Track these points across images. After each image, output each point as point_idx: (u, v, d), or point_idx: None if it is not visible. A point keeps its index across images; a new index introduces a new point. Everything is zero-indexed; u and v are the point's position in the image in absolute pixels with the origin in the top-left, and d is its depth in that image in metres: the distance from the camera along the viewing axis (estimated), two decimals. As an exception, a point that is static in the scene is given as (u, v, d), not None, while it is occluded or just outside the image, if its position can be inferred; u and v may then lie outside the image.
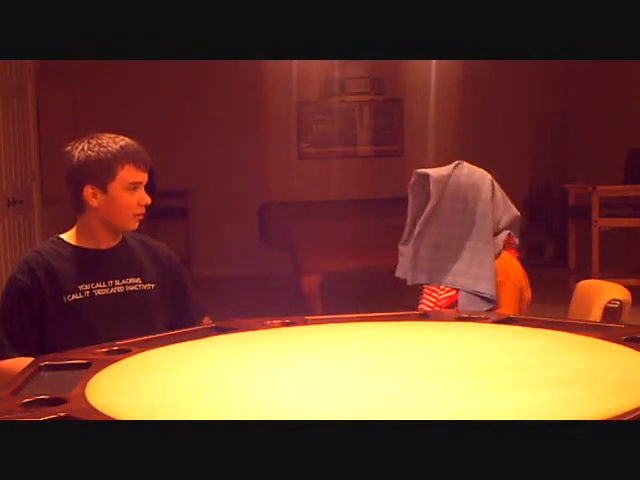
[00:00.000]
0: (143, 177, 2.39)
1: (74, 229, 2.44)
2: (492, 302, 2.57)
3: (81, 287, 2.36)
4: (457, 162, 2.70)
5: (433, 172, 2.66)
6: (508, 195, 2.73)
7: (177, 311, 2.53)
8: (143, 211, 2.41)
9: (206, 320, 2.60)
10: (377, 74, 8.26)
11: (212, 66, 6.82)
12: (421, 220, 2.65)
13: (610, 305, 2.50)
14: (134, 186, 2.37)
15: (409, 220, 2.79)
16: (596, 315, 2.52)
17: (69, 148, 2.38)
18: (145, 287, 2.45)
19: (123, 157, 2.35)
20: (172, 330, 2.35)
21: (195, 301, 2.62)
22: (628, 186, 6.79)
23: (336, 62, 8.06)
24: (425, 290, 2.76)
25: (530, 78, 7.98)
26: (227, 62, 6.52)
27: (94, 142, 2.36)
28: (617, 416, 1.39)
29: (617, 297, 2.50)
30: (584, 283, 2.82)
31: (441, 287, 2.66)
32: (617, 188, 6.83)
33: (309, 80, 8.12)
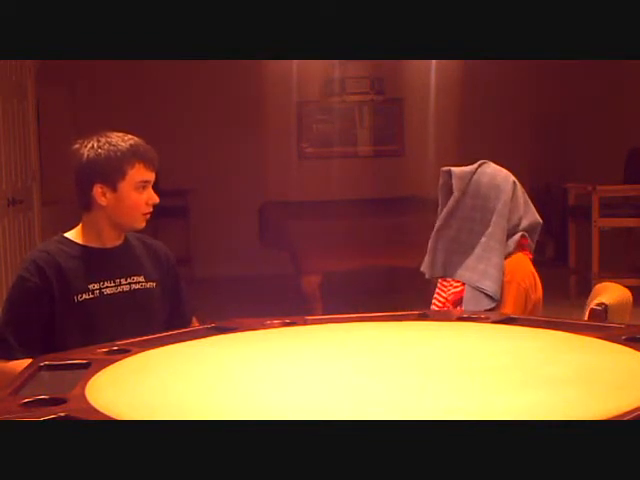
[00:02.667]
0: (152, 176, 2.41)
1: (79, 228, 2.44)
2: (494, 300, 2.57)
3: (91, 286, 2.36)
4: (482, 161, 2.72)
5: (456, 169, 2.70)
6: None
7: (174, 310, 2.54)
8: (151, 210, 2.42)
9: (193, 320, 2.62)
10: (377, 74, 8.26)
11: (212, 66, 6.81)
12: (442, 214, 2.67)
13: (596, 307, 2.49)
14: (143, 185, 2.38)
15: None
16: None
17: (77, 146, 2.38)
18: (148, 285, 2.46)
19: (133, 156, 2.35)
20: (170, 329, 2.36)
21: (188, 300, 2.63)
22: (628, 186, 6.79)
23: (336, 62, 8.05)
24: (439, 286, 2.78)
25: (530, 78, 7.98)
26: (227, 62, 6.53)
27: (103, 140, 2.36)
28: (617, 416, 1.39)
29: (604, 300, 2.50)
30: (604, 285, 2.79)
31: (453, 283, 2.68)
32: (617, 188, 6.83)
33: (309, 80, 8.12)
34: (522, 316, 2.41)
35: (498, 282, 2.59)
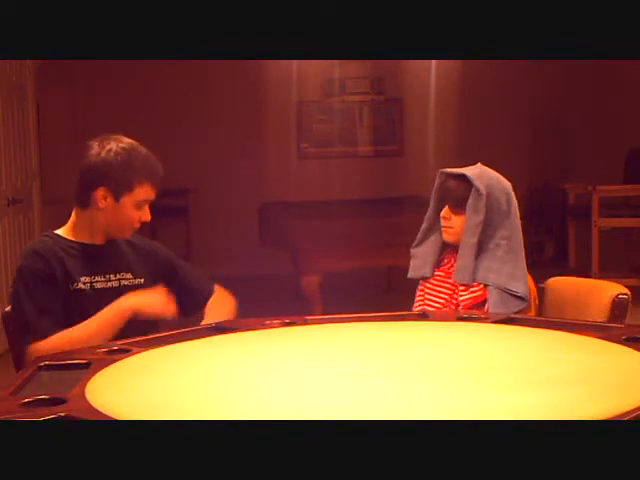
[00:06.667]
0: (154, 196, 2.44)
1: (70, 224, 2.45)
2: (525, 302, 2.56)
3: (83, 279, 2.38)
4: (479, 164, 2.68)
5: (471, 173, 2.62)
6: None
7: (181, 295, 2.52)
8: (139, 226, 2.45)
9: (216, 288, 2.63)
10: (377, 74, 8.26)
11: (212, 66, 6.82)
12: (486, 222, 2.58)
13: (620, 298, 2.52)
14: (143, 204, 2.41)
15: (426, 225, 2.73)
16: (600, 311, 2.52)
17: (94, 143, 2.38)
18: (136, 282, 2.48)
19: (143, 174, 2.38)
20: (187, 311, 2.45)
21: (197, 278, 2.64)
22: (628, 186, 6.79)
23: (336, 62, 8.05)
24: (432, 288, 2.67)
25: (530, 78, 7.98)
26: (227, 62, 6.53)
27: (122, 146, 2.37)
28: (617, 416, 1.39)
29: (623, 291, 2.54)
30: (564, 280, 2.80)
31: (461, 287, 2.60)
32: (617, 188, 6.83)
33: (309, 80, 8.11)
34: (522, 316, 2.41)
35: (526, 284, 2.58)
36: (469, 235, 2.59)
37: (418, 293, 2.72)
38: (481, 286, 2.58)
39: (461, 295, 2.59)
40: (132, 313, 2.33)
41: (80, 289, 2.37)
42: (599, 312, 2.53)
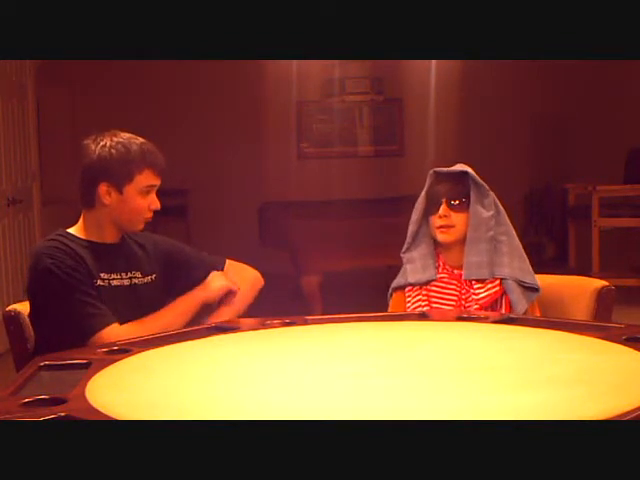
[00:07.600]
0: (158, 181, 2.45)
1: (80, 224, 2.46)
2: (538, 291, 2.59)
3: (102, 275, 2.40)
4: (461, 164, 2.67)
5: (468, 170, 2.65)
6: (503, 196, 2.73)
7: (192, 278, 2.56)
8: (151, 215, 2.45)
9: (230, 263, 2.66)
10: (377, 74, 8.26)
11: (212, 66, 6.81)
12: (495, 217, 2.63)
13: (606, 290, 2.54)
14: (148, 190, 2.42)
15: (415, 228, 2.72)
16: (587, 306, 2.54)
17: (89, 142, 2.40)
18: (146, 280, 2.49)
19: (143, 162, 2.39)
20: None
21: (205, 258, 2.65)
22: (628, 186, 6.80)
23: (336, 62, 8.05)
24: (438, 292, 2.66)
25: (530, 78, 7.97)
26: (227, 62, 6.52)
27: (116, 140, 2.38)
28: (617, 416, 1.39)
29: (605, 284, 2.58)
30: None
31: (476, 285, 2.60)
32: (617, 188, 6.83)
33: (309, 80, 8.12)
34: (522, 316, 2.41)
35: (534, 275, 2.61)
36: (482, 230, 2.59)
37: (415, 299, 2.66)
38: (497, 282, 2.57)
39: (477, 293, 2.58)
40: (202, 303, 2.48)
41: (100, 286, 2.38)
42: (584, 307, 2.55)
